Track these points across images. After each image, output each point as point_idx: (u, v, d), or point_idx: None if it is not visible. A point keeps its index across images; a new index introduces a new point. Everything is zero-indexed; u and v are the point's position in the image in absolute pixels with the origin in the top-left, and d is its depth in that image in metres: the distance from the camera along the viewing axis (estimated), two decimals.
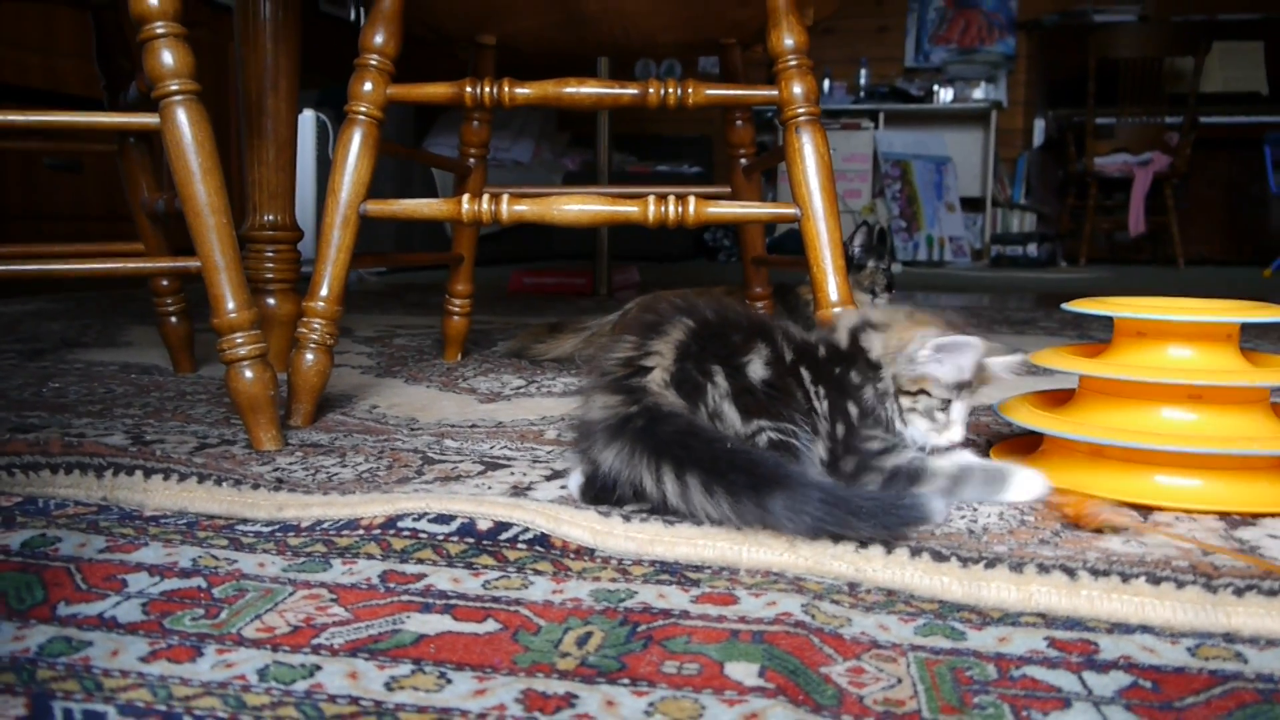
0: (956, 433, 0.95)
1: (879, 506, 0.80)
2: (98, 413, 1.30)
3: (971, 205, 6.06)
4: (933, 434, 0.94)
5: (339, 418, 1.30)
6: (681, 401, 0.86)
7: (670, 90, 1.26)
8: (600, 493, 0.88)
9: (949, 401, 0.93)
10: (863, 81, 6.26)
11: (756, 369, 0.89)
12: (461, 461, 1.08)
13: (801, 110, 1.24)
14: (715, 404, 0.87)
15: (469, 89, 1.28)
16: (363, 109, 1.28)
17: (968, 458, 0.97)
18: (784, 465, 0.81)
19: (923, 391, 0.93)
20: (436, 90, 1.30)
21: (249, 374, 1.11)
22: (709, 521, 0.81)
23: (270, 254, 1.65)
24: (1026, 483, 0.94)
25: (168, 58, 1.09)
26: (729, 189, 1.80)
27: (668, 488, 0.81)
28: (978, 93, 6.09)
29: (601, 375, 0.89)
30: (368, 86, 1.28)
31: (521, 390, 1.52)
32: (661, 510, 0.84)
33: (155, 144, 1.65)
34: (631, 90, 1.27)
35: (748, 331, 0.92)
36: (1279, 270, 4.95)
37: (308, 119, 3.76)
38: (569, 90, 1.26)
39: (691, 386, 0.87)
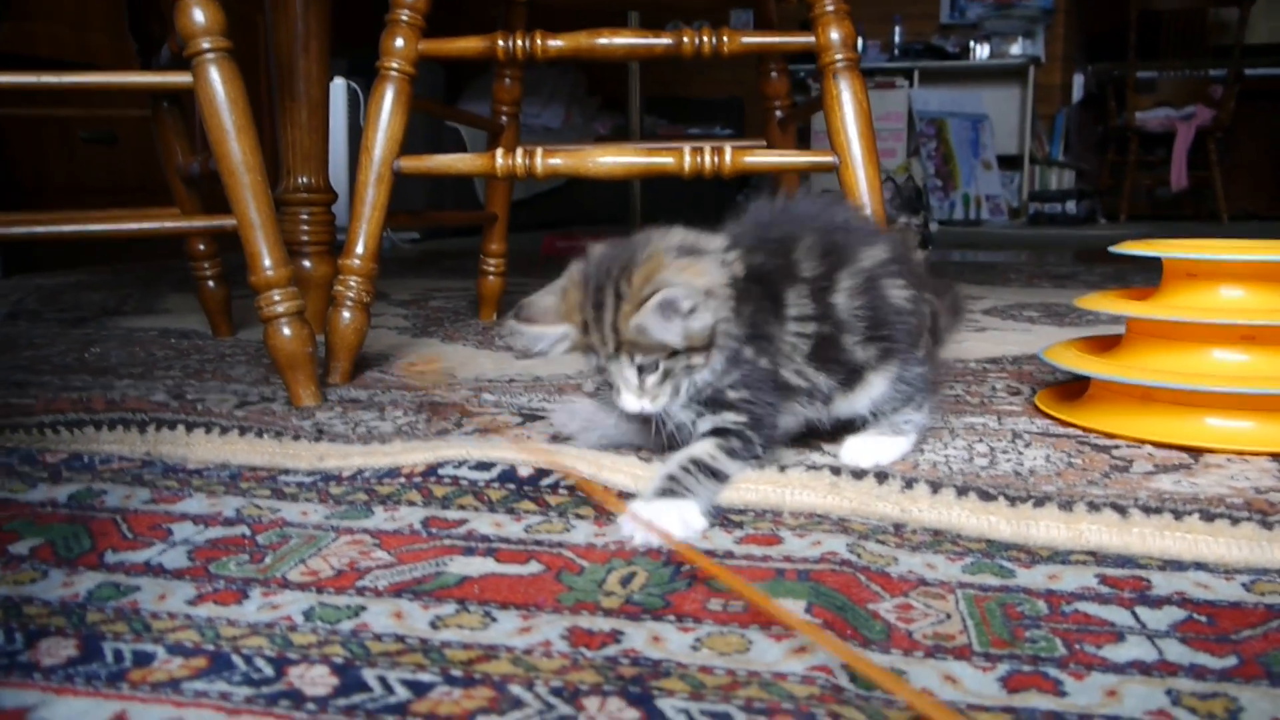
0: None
1: None
2: (139, 375, 1.32)
3: (1008, 163, 5.96)
4: None
5: (376, 375, 1.30)
6: None
7: (705, 39, 1.24)
8: None
9: None
10: (897, 39, 6.15)
11: None
12: (500, 414, 1.08)
13: (839, 56, 1.22)
14: None
15: (501, 42, 1.27)
16: (395, 65, 1.27)
17: None
18: None
19: None
20: (469, 44, 1.29)
21: (287, 331, 1.11)
22: None
23: (305, 216, 1.65)
24: None
25: (199, 15, 1.08)
26: (764, 142, 1.77)
27: None
28: (1015, 48, 5.97)
29: None
30: (399, 42, 1.27)
31: None
32: None
33: (188, 107, 1.65)
34: (666, 40, 1.25)
35: None
36: None
37: (338, 86, 3.76)
38: (602, 41, 1.25)
39: None
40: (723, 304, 0.80)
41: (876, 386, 0.88)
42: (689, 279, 0.78)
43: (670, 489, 0.75)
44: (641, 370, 0.80)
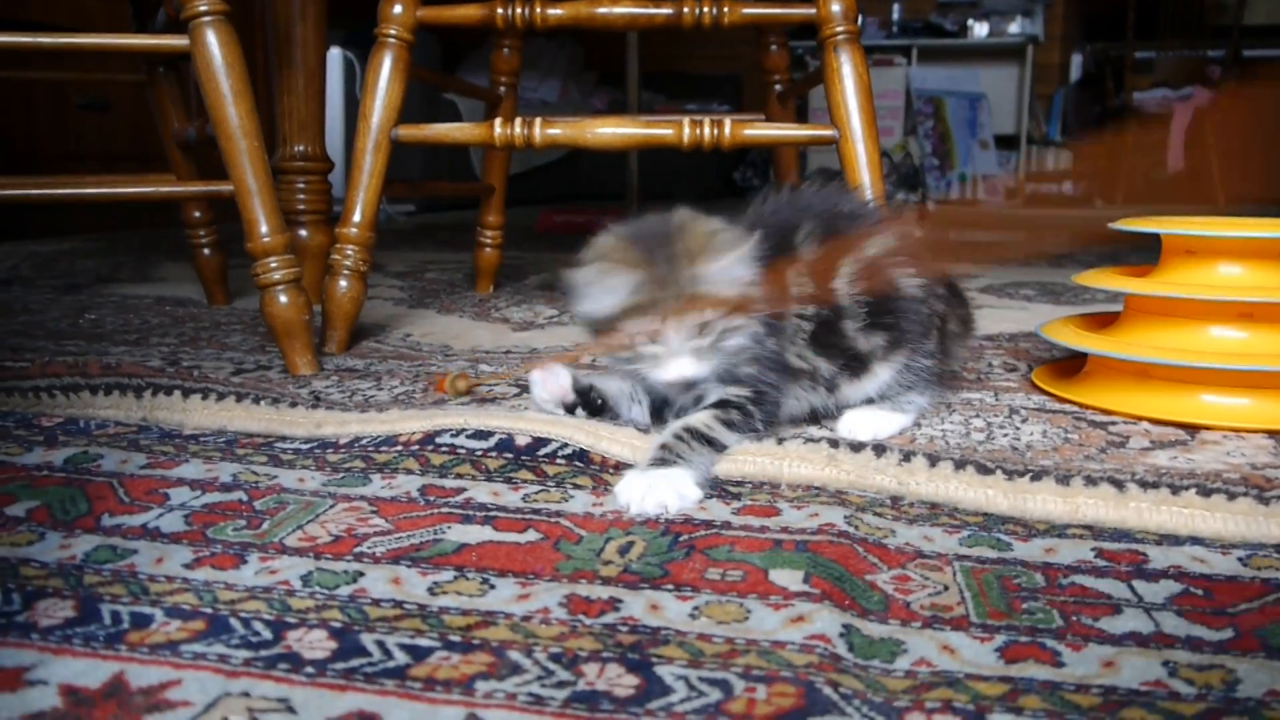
0: None
1: None
2: (134, 341, 1.31)
3: (1005, 143, 5.95)
4: None
5: (373, 345, 1.30)
6: None
7: (706, 9, 1.23)
8: None
9: None
10: (895, 16, 6.12)
11: None
12: (497, 385, 1.07)
13: (840, 29, 1.21)
14: None
15: (500, 10, 1.26)
16: (393, 31, 1.26)
17: None
18: None
19: None
20: (468, 12, 1.28)
21: (283, 298, 1.11)
22: None
23: (301, 185, 1.64)
24: None
25: None
26: (763, 116, 1.76)
27: None
28: (1013, 27, 5.94)
29: None
30: (398, 9, 1.26)
31: (555, 319, 1.51)
32: None
33: (184, 73, 1.64)
34: (666, 10, 1.24)
35: None
36: None
37: (335, 57, 3.73)
38: (602, 10, 1.24)
39: None
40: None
41: (882, 376, 0.88)
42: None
43: (665, 458, 0.75)
44: (693, 334, 0.79)
